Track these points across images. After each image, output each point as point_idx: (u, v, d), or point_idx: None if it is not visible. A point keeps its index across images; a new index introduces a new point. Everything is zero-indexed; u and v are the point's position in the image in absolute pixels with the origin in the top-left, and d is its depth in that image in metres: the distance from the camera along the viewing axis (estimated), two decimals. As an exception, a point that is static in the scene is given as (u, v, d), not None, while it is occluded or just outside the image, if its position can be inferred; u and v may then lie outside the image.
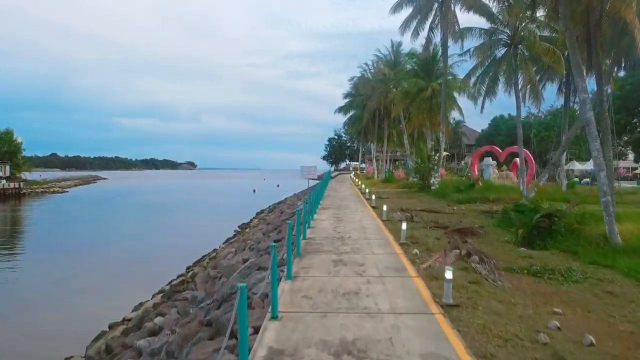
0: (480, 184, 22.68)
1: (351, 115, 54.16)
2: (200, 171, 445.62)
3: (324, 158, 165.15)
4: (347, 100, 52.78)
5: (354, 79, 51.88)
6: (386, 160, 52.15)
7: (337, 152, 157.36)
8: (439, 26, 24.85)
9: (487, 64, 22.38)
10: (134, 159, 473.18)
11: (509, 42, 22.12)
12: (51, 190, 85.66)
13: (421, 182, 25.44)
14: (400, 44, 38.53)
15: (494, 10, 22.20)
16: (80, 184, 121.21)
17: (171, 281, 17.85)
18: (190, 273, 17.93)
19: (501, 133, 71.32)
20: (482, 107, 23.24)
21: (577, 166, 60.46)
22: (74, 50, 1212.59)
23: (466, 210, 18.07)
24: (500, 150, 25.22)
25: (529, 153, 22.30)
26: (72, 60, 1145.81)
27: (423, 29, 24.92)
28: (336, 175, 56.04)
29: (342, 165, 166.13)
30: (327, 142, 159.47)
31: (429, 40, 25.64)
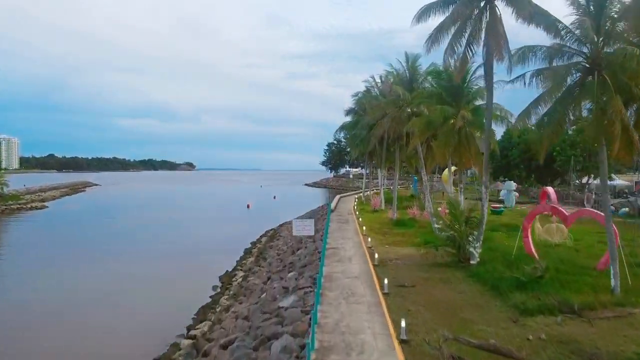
0: (545, 266, 15.87)
1: (354, 134, 47.24)
2: (199, 172, 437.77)
3: (322, 163, 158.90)
4: (349, 118, 45.89)
5: (358, 95, 44.90)
6: (398, 170, 45.41)
7: (336, 157, 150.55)
8: (479, 41, 18.05)
9: (557, 97, 15.55)
10: (132, 160, 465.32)
11: (587, 66, 15.41)
12: (29, 205, 78.81)
13: (456, 253, 18.68)
14: (417, 57, 31.05)
15: (565, 21, 15.54)
16: (66, 194, 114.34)
17: None
18: None
19: (516, 147, 65.13)
20: (544, 157, 16.48)
21: (598, 182, 54.12)
22: (73, 51, 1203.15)
23: (550, 341, 11.39)
24: (566, 213, 18.31)
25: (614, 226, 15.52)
26: (71, 60, 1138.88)
27: (461, 45, 18.03)
28: (337, 205, 48.27)
29: (342, 171, 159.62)
30: (326, 147, 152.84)
31: (464, 58, 18.74)
